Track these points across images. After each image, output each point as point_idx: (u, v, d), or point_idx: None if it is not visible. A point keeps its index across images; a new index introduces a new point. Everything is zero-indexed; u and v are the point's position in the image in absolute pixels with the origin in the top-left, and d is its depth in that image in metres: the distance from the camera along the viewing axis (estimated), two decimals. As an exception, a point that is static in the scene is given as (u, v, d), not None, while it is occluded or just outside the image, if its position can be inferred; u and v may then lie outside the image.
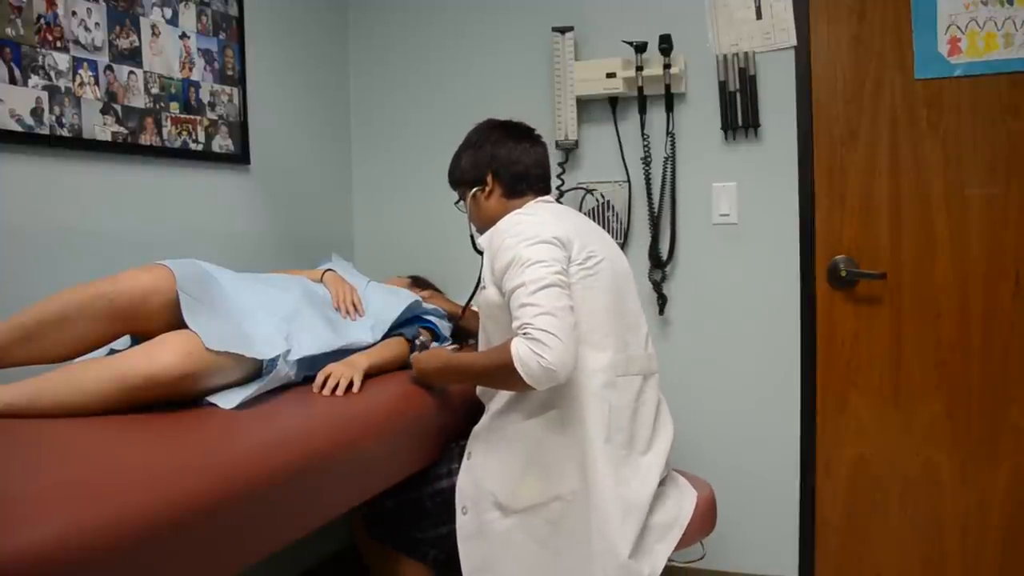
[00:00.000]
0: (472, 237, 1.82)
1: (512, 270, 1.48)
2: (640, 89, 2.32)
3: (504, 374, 1.41)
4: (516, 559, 1.54)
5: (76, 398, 1.29)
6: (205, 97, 2.09)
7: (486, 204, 1.74)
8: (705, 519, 1.70)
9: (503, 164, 1.72)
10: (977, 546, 2.14)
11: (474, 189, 1.75)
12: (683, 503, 1.64)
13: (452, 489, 1.64)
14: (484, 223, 1.73)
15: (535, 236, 1.51)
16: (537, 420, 1.54)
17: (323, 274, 1.96)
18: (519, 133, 1.76)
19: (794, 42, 2.22)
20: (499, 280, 1.52)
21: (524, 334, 1.40)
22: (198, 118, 2.07)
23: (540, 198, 1.73)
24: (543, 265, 1.46)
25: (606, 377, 1.53)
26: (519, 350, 1.38)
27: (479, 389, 1.69)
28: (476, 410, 1.70)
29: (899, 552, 2.22)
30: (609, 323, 1.57)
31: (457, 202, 1.84)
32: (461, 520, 1.60)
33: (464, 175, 1.78)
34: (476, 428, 1.64)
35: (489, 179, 1.73)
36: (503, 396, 1.59)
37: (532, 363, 1.37)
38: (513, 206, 1.69)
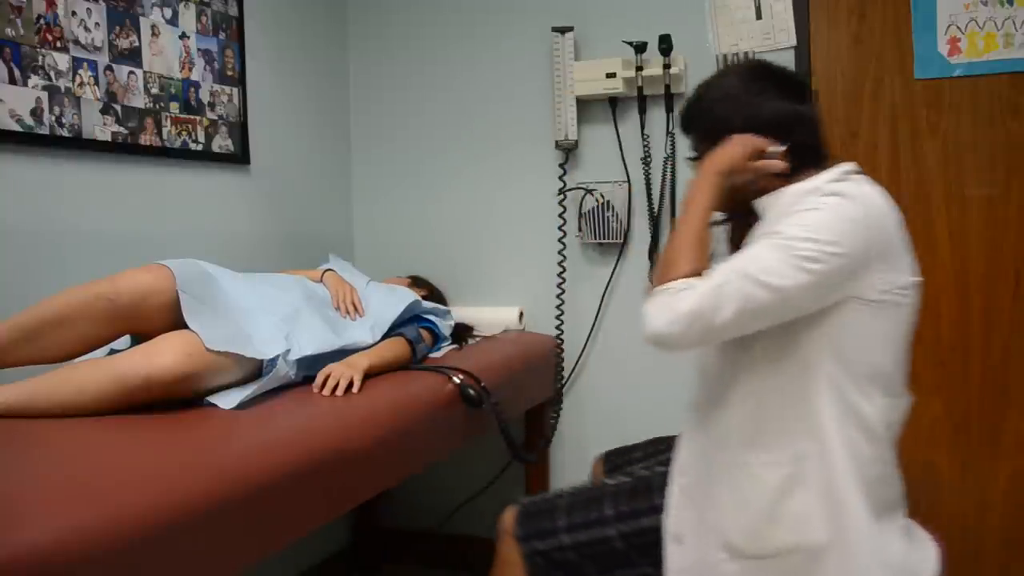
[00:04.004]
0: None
1: (780, 238, 1.18)
2: (640, 89, 2.32)
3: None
4: None
5: (75, 398, 1.29)
6: (205, 97, 2.09)
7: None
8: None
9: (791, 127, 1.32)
10: (977, 546, 2.14)
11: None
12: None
13: (657, 530, 1.35)
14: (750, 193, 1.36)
15: (827, 244, 1.16)
16: (788, 461, 1.26)
17: (323, 274, 1.97)
18: (793, 88, 1.36)
19: (794, 42, 2.22)
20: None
21: (691, 288, 1.19)
22: (198, 118, 2.07)
23: (845, 167, 1.30)
24: (800, 270, 1.16)
25: (881, 428, 1.28)
26: (657, 298, 1.21)
27: (706, 402, 1.40)
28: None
29: (899, 552, 2.21)
30: (898, 368, 1.29)
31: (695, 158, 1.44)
32: (673, 550, 1.33)
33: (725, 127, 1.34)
34: (694, 451, 1.38)
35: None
36: (744, 423, 1.30)
37: (661, 317, 1.19)
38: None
